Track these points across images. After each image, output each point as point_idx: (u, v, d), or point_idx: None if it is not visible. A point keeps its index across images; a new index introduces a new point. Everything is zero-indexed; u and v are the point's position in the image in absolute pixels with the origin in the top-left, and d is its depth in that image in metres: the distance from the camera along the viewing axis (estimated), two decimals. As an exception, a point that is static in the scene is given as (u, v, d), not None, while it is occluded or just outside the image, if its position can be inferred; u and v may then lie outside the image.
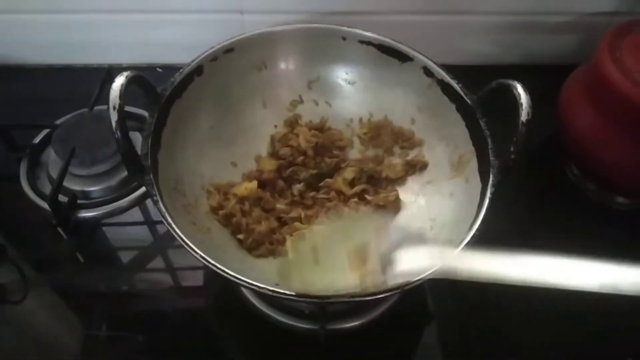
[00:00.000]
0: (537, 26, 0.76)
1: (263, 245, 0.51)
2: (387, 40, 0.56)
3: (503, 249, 0.36)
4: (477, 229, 0.43)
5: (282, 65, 0.59)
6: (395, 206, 0.55)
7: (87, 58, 0.78)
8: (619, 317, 0.55)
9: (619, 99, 0.54)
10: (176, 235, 0.41)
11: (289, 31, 0.57)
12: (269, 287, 0.39)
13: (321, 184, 0.56)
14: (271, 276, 0.48)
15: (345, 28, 0.57)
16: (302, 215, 0.53)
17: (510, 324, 0.57)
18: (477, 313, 0.58)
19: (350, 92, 0.60)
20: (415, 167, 0.57)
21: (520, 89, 0.45)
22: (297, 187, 0.55)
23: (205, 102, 0.54)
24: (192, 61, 0.52)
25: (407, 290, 0.52)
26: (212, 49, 0.53)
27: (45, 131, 0.67)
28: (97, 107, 0.67)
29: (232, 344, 0.56)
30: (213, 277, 0.59)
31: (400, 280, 0.40)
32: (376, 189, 0.56)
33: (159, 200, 0.43)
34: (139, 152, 0.45)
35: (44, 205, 0.60)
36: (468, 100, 0.52)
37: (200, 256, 0.40)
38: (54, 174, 0.62)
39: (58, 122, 0.67)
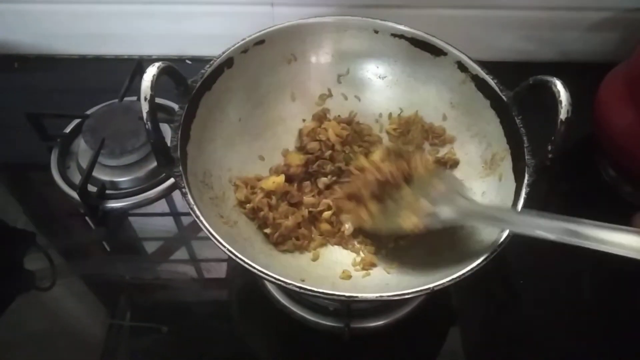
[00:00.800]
0: (574, 23, 0.74)
1: (289, 240, 0.50)
2: (420, 34, 0.55)
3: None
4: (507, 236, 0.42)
5: (312, 58, 0.58)
6: None
7: (117, 49, 0.79)
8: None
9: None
10: (204, 228, 0.41)
11: (320, 23, 0.56)
12: (296, 284, 0.38)
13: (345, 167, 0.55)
14: (297, 271, 0.48)
15: (377, 21, 0.56)
16: (331, 204, 0.52)
17: (538, 326, 0.56)
18: (503, 314, 0.57)
19: (381, 86, 0.59)
20: (446, 165, 0.55)
21: (560, 86, 0.43)
22: (323, 180, 0.54)
23: (234, 95, 0.54)
24: (223, 53, 0.52)
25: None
26: (243, 41, 0.53)
27: (76, 121, 0.68)
28: (126, 98, 0.68)
29: (254, 338, 0.56)
30: (237, 270, 0.59)
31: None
32: None
33: (188, 192, 0.42)
34: (169, 144, 0.45)
35: (74, 194, 0.61)
36: (503, 97, 0.50)
37: (228, 250, 0.40)
38: (84, 163, 0.63)
39: (88, 112, 0.67)
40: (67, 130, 0.67)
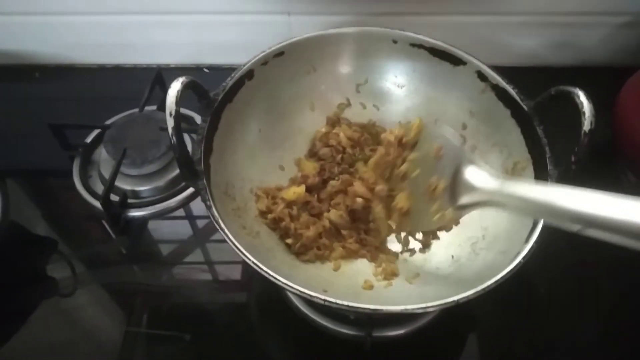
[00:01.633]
0: (593, 27, 0.73)
1: (311, 250, 0.51)
2: (439, 44, 0.55)
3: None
4: (535, 241, 0.42)
5: (331, 69, 0.58)
6: None
7: (136, 58, 0.80)
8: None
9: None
10: (229, 241, 0.41)
11: (339, 34, 0.56)
12: (320, 296, 0.39)
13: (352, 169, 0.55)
14: (319, 281, 0.48)
15: (396, 31, 0.56)
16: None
17: (559, 334, 0.55)
18: (524, 320, 0.57)
19: (399, 95, 0.59)
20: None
21: (582, 97, 0.43)
22: (332, 184, 0.54)
23: (255, 106, 0.54)
24: (243, 65, 0.52)
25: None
26: (263, 53, 0.53)
27: (97, 130, 0.69)
28: (146, 108, 0.68)
29: (275, 346, 0.56)
30: (257, 279, 0.59)
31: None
32: None
33: (212, 205, 0.43)
34: (190, 154, 0.45)
35: (96, 203, 0.62)
36: (524, 107, 0.50)
37: (252, 262, 0.40)
38: (106, 172, 0.64)
39: (109, 122, 0.68)
40: (89, 140, 0.68)
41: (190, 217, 0.65)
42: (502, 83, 0.52)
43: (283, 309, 0.55)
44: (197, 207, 0.65)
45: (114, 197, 0.62)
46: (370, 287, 0.49)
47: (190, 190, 0.65)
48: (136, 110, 0.68)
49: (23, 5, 0.72)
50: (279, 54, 0.54)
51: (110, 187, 0.59)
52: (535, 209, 0.39)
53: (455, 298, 0.39)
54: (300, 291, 0.39)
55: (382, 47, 0.57)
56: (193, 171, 0.44)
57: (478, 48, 0.55)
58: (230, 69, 0.52)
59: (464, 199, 0.45)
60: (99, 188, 0.64)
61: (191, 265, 0.61)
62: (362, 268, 0.51)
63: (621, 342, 0.55)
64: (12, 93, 0.78)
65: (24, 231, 0.64)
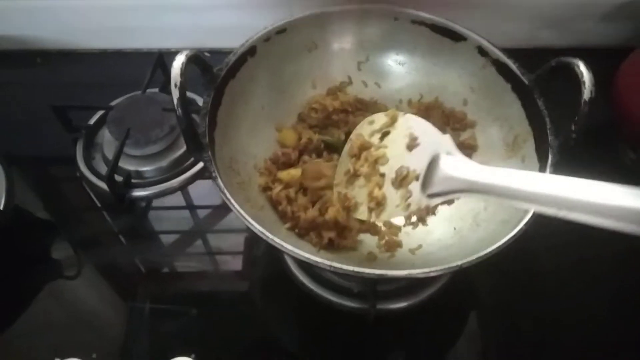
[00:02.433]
0: (590, 9, 0.74)
1: (309, 234, 0.50)
2: (441, 20, 0.56)
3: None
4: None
5: (333, 46, 0.59)
6: None
7: (137, 43, 0.80)
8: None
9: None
10: (234, 209, 0.42)
11: (341, 12, 0.57)
12: (326, 262, 0.39)
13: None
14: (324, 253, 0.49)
15: (397, 8, 0.57)
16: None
17: (561, 309, 0.56)
18: (528, 299, 0.57)
19: (400, 73, 0.60)
20: (466, 149, 0.56)
21: (582, 67, 0.44)
22: (303, 159, 0.54)
23: (257, 83, 0.54)
24: (246, 42, 0.53)
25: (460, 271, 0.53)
26: (265, 30, 0.54)
27: (99, 113, 0.69)
28: (149, 90, 0.69)
29: (279, 320, 0.57)
30: (262, 255, 0.60)
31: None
32: None
33: (217, 176, 0.43)
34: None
35: (100, 183, 0.63)
36: (525, 80, 0.50)
37: (259, 230, 0.41)
38: (109, 154, 0.64)
39: (112, 104, 0.68)
40: (92, 122, 0.68)
41: (195, 196, 0.65)
42: (503, 57, 0.53)
43: (287, 284, 0.56)
44: (201, 185, 0.65)
45: (118, 178, 0.62)
46: (374, 258, 0.49)
47: (193, 170, 0.65)
48: (139, 92, 0.68)
49: (23, -10, 0.73)
50: (281, 30, 0.55)
51: (114, 166, 0.60)
52: (513, 196, 0.38)
53: (459, 262, 0.39)
54: (306, 257, 0.40)
55: (383, 25, 0.58)
56: (198, 143, 0.44)
57: (476, 30, 0.56)
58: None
59: (436, 187, 0.44)
60: (103, 169, 0.65)
61: (195, 242, 0.62)
62: (365, 240, 0.52)
63: (628, 317, 0.56)
64: (15, 78, 0.78)
65: (29, 214, 0.64)
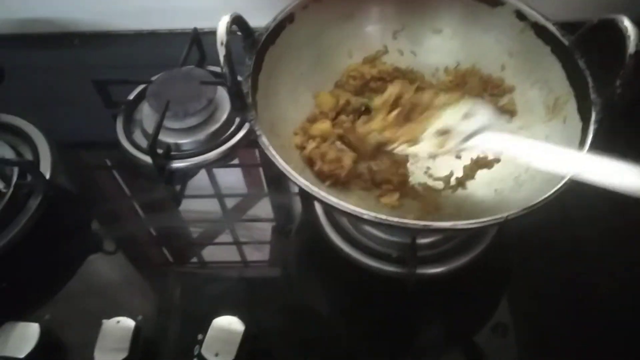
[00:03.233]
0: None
1: (351, 184, 0.51)
2: (477, -15, 0.56)
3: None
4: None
5: (369, 15, 0.59)
6: None
7: (172, 23, 0.82)
8: None
9: None
10: (277, 163, 0.43)
11: (377, -20, 0.57)
12: (371, 214, 0.40)
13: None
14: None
15: (433, -25, 0.57)
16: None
17: (599, 279, 0.56)
18: (566, 266, 0.57)
19: (437, 40, 0.60)
20: (505, 115, 0.56)
21: (627, 22, 0.43)
22: (342, 118, 0.55)
23: (295, 50, 0.55)
24: (285, 9, 0.53)
25: (501, 233, 0.53)
26: (303, -2, 0.54)
27: (138, 89, 0.71)
28: (186, 66, 0.70)
29: (318, 286, 0.58)
30: (301, 221, 0.61)
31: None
32: None
33: (262, 134, 0.44)
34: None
35: (141, 156, 0.64)
36: (565, 41, 0.50)
37: (303, 184, 0.41)
38: (148, 128, 0.66)
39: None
40: (131, 97, 0.70)
41: (235, 166, 0.67)
42: (542, 20, 0.52)
43: (326, 250, 0.56)
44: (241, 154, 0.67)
45: (158, 151, 0.64)
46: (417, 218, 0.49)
47: (230, 143, 0.66)
48: (177, 67, 0.69)
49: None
50: (319, -1, 0.55)
51: (155, 137, 0.61)
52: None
53: (505, 214, 0.39)
54: (351, 210, 0.40)
55: (420, -8, 0.58)
56: (244, 102, 0.45)
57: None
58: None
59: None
60: (143, 143, 0.66)
61: (235, 211, 0.63)
62: (406, 204, 0.52)
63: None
64: (54, 60, 0.81)
65: (71, 188, 0.66)
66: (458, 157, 0.55)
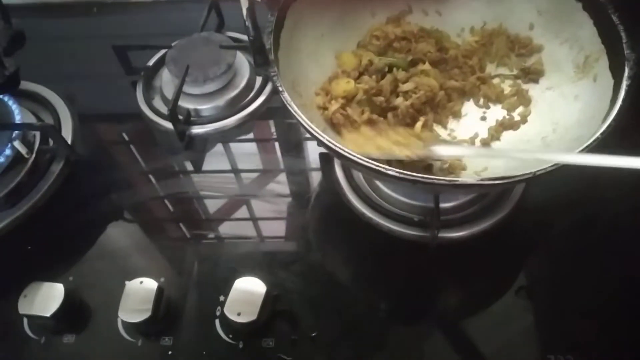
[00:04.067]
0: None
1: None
2: (505, -60, 0.54)
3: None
4: (614, 120, 0.41)
5: (392, -26, 0.58)
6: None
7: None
8: None
9: None
10: (299, 117, 0.42)
11: None
12: (395, 170, 0.39)
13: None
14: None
15: None
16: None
17: (629, 237, 0.55)
18: (591, 231, 0.56)
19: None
20: (532, 75, 0.54)
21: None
22: (364, 79, 0.53)
23: (317, 9, 0.54)
24: (306, -34, 0.52)
25: (526, 196, 0.52)
26: (325, -45, 0.53)
27: (157, 56, 0.70)
28: (205, 32, 0.69)
29: (340, 250, 0.57)
30: (322, 186, 0.60)
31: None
32: None
33: (284, 90, 0.43)
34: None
35: (161, 122, 0.64)
36: (597, -4, 0.48)
37: (325, 139, 0.41)
38: (168, 94, 0.66)
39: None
40: (150, 63, 0.70)
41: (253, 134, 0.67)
42: (573, -25, 0.50)
43: (347, 214, 0.56)
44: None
45: (179, 116, 0.63)
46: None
47: (250, 109, 0.66)
48: (196, 33, 0.69)
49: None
50: (341, -44, 0.54)
51: (176, 101, 0.61)
52: None
53: (533, 170, 0.38)
54: (375, 165, 0.39)
55: (445, -51, 0.56)
56: (265, 58, 0.44)
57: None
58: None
59: None
60: (163, 109, 0.66)
61: (255, 177, 0.63)
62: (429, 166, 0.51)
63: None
64: (73, 28, 0.81)
65: (92, 154, 0.67)
66: (483, 118, 0.54)
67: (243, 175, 0.64)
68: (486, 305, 0.52)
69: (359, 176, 0.56)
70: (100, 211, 0.60)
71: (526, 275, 0.54)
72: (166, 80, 0.67)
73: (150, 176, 0.64)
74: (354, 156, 0.40)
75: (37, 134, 0.61)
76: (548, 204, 0.56)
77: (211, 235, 0.58)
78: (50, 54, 0.74)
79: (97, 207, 0.61)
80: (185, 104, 0.65)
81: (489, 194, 0.54)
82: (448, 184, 0.39)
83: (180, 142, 0.63)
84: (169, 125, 0.62)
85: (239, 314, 0.47)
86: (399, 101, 0.51)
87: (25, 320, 0.51)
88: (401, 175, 0.39)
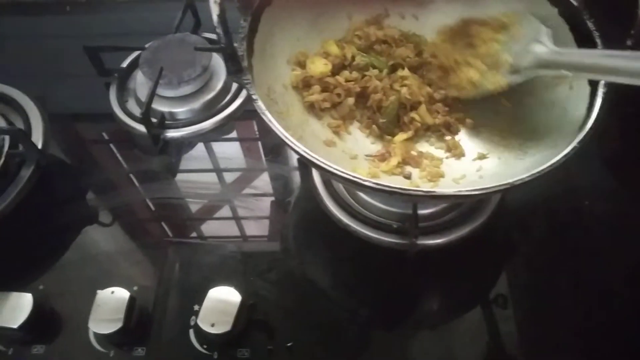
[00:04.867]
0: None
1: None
2: (482, -57, 0.53)
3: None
4: (591, 128, 0.41)
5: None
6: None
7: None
8: None
9: None
10: (275, 129, 0.41)
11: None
12: (372, 180, 0.39)
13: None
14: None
15: None
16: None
17: (603, 246, 0.55)
18: (568, 237, 0.56)
19: (439, 2, 0.57)
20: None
21: (639, -22, 0.41)
22: (345, 74, 0.53)
23: (292, 13, 0.53)
24: (281, -32, 0.51)
25: (503, 203, 0.52)
26: (299, -43, 0.52)
27: (131, 57, 0.69)
28: (180, 33, 0.68)
29: (318, 258, 0.57)
30: (299, 192, 0.59)
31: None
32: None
33: (258, 98, 0.42)
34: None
35: (134, 125, 0.63)
36: (573, 2, 0.48)
37: (303, 151, 0.40)
38: (142, 96, 0.64)
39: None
40: (124, 65, 0.68)
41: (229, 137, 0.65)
42: (549, -19, 0.50)
43: (324, 221, 0.55)
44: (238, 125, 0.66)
45: (152, 120, 0.62)
46: (417, 187, 0.48)
47: (226, 112, 0.65)
48: (170, 34, 0.67)
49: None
50: (316, -42, 0.53)
51: (149, 104, 0.60)
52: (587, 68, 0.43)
53: (511, 180, 0.38)
54: (352, 176, 0.39)
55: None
56: (238, 65, 0.43)
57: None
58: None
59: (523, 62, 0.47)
60: (136, 112, 0.64)
61: (230, 182, 0.62)
62: (406, 172, 0.51)
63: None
64: (46, 27, 0.79)
65: (63, 158, 0.65)
66: None
67: (220, 179, 0.63)
68: (465, 312, 0.52)
69: (337, 183, 0.56)
70: (71, 217, 0.59)
71: (504, 281, 0.54)
72: (140, 82, 0.66)
73: (124, 181, 0.62)
74: (330, 167, 0.39)
75: (7, 137, 0.59)
76: (525, 209, 0.57)
77: (186, 243, 0.57)
78: (21, 54, 0.73)
79: (68, 213, 0.59)
80: (159, 106, 0.63)
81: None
82: (425, 194, 0.38)
83: (154, 146, 0.61)
84: (143, 128, 0.61)
85: (213, 325, 0.46)
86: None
87: (-9, 331, 0.49)
88: (378, 187, 0.38)
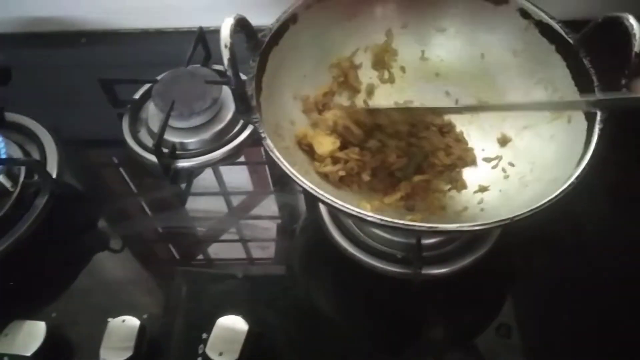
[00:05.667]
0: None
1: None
2: (482, -16, 0.55)
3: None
4: (587, 164, 0.42)
5: (372, 14, 0.59)
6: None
7: (177, 22, 0.82)
8: None
9: None
10: (282, 165, 0.43)
11: (380, -20, 0.57)
12: (376, 216, 0.40)
13: None
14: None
15: (436, -26, 0.56)
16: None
17: (606, 276, 0.55)
18: (570, 262, 0.57)
19: (441, 39, 0.59)
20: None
21: (632, 20, 0.43)
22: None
23: (299, 51, 0.55)
24: (288, 9, 0.53)
25: (506, 233, 0.53)
26: (306, -3, 0.54)
27: (144, 89, 0.71)
28: (191, 66, 0.70)
29: (322, 286, 0.58)
30: (305, 222, 0.61)
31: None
32: None
33: (267, 137, 0.44)
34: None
35: (146, 155, 0.65)
36: (570, 40, 0.50)
37: (310, 187, 0.41)
38: (154, 127, 0.66)
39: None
40: (137, 96, 0.70)
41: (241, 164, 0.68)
42: (546, 18, 0.52)
43: (330, 250, 0.56)
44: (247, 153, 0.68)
45: (164, 150, 0.64)
46: (420, 219, 0.49)
47: (235, 142, 0.67)
48: (182, 67, 0.70)
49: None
50: (322, -2, 0.55)
51: (161, 136, 0.62)
52: None
53: (511, 215, 0.39)
54: (357, 212, 0.40)
55: (423, -9, 0.58)
56: (248, 105, 0.45)
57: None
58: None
59: None
60: (148, 142, 0.66)
61: (238, 211, 0.63)
62: (410, 204, 0.52)
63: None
64: (61, 58, 0.81)
65: (77, 186, 0.67)
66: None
67: (229, 207, 0.64)
68: (468, 342, 0.52)
69: (342, 213, 0.57)
70: (84, 245, 0.60)
71: (508, 310, 0.54)
72: (152, 113, 0.68)
73: (136, 210, 0.64)
74: (334, 202, 0.41)
75: (23, 168, 0.61)
76: (529, 237, 0.57)
77: (195, 271, 0.59)
78: (37, 85, 0.75)
79: (81, 242, 0.61)
80: (170, 137, 0.65)
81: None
82: (428, 230, 0.40)
83: (165, 176, 0.63)
84: (154, 158, 0.63)
85: (220, 354, 0.47)
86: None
87: (6, 359, 0.50)
88: (382, 222, 0.40)
